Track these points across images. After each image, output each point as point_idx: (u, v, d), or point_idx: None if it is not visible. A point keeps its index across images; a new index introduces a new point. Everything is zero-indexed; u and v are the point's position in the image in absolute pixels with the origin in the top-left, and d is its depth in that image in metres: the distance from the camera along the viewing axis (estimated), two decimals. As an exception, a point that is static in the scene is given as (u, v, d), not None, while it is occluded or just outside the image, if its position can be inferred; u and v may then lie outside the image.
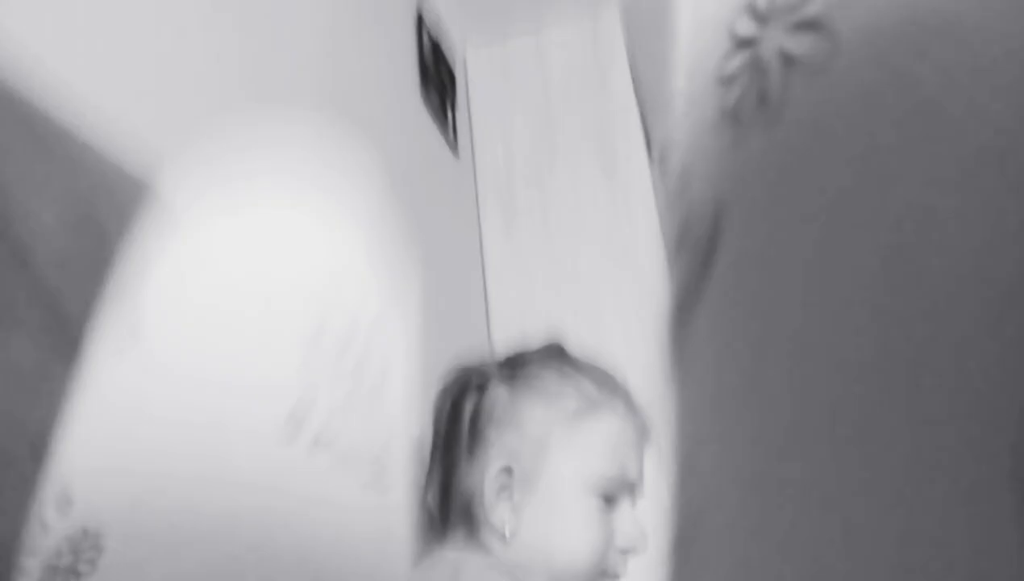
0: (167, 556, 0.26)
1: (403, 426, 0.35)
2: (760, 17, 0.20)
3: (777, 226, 0.18)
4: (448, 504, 0.86)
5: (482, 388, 0.88)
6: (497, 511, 0.82)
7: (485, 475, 0.83)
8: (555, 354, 0.91)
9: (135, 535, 0.27)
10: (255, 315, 0.31)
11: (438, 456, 0.88)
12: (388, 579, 0.29)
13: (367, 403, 0.32)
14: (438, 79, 1.90)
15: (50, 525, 0.28)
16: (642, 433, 0.88)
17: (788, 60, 0.19)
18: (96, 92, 0.62)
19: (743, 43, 0.20)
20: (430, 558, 0.78)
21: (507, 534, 0.81)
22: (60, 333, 0.45)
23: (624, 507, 0.83)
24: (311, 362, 0.31)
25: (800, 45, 0.19)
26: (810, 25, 0.18)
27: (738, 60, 0.20)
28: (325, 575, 0.27)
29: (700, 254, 0.21)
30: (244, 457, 0.28)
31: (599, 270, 1.91)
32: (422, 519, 0.88)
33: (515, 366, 0.90)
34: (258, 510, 0.27)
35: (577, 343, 0.96)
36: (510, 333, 1.82)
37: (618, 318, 1.83)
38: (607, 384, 0.88)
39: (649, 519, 0.87)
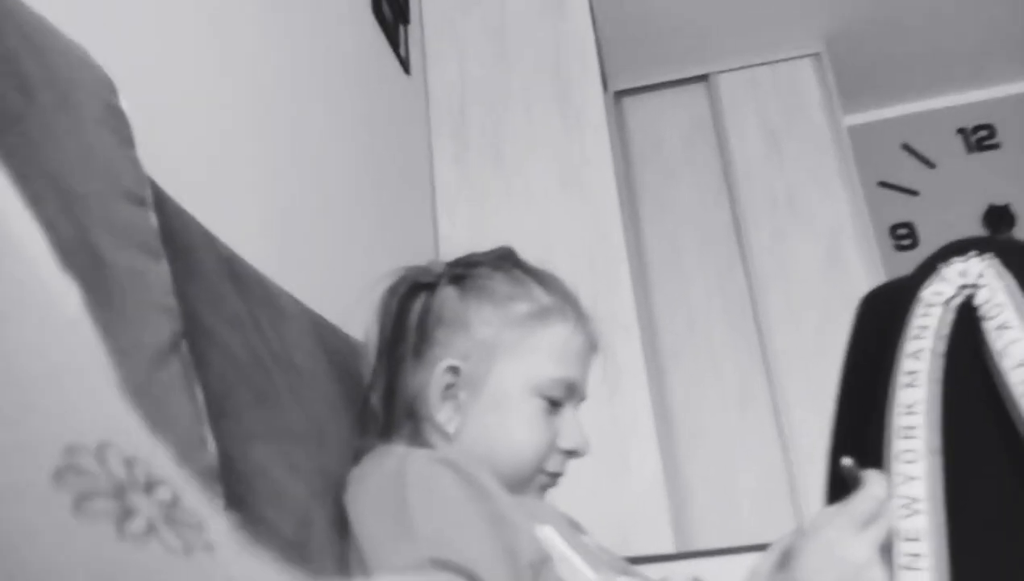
0: None
1: None
2: None
3: None
4: (393, 403, 0.85)
5: (431, 288, 0.87)
6: (442, 410, 0.82)
7: (431, 375, 0.82)
8: (505, 259, 0.91)
9: None
10: None
11: (384, 355, 0.87)
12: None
13: None
14: (392, -7, 1.84)
15: None
16: (590, 341, 0.89)
17: None
18: None
19: None
20: (376, 452, 0.78)
21: (451, 433, 0.81)
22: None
23: (567, 411, 0.84)
24: None
25: None
26: None
27: None
28: None
29: None
30: None
31: (550, 195, 1.90)
32: (366, 418, 0.88)
33: (465, 268, 0.89)
34: None
35: (528, 257, 0.95)
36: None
37: (568, 243, 1.84)
38: (558, 290, 0.88)
39: (590, 423, 0.88)
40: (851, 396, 0.81)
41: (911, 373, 0.69)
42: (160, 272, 0.50)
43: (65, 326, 0.24)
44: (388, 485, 0.71)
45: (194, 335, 0.56)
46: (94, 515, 0.19)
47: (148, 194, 0.53)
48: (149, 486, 0.21)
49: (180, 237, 0.64)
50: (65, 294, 0.27)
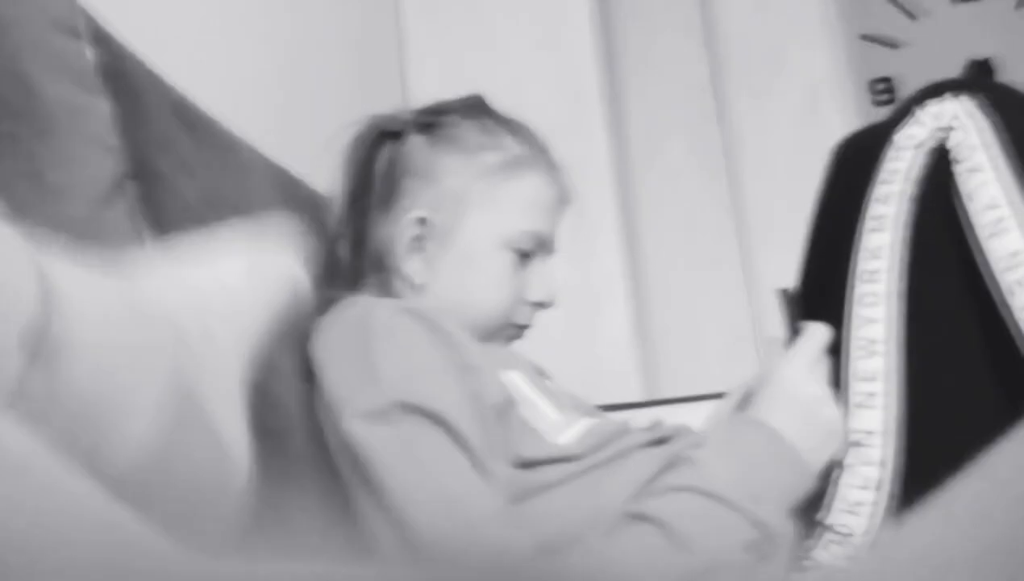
0: None
1: None
2: None
3: None
4: (361, 255, 0.85)
5: (398, 137, 0.85)
6: (410, 262, 0.81)
7: (399, 226, 0.81)
8: (476, 107, 0.88)
9: None
10: None
11: (350, 206, 0.86)
12: None
13: None
14: None
15: None
16: (561, 193, 0.87)
17: None
18: None
19: None
20: (342, 302, 0.77)
21: (419, 284, 0.81)
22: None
23: (537, 263, 0.84)
24: None
25: None
26: None
27: None
28: None
29: None
30: None
31: (523, 51, 1.83)
32: (332, 270, 0.87)
33: (434, 116, 0.86)
34: None
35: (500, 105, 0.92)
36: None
37: (542, 96, 1.78)
38: (529, 140, 0.86)
39: (559, 275, 0.88)
40: (819, 242, 0.81)
41: (878, 217, 0.69)
42: (99, 108, 0.47)
43: None
44: (353, 333, 0.71)
45: (143, 178, 0.53)
46: None
47: (82, 25, 0.50)
48: None
49: (125, 78, 0.60)
50: None
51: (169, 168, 0.59)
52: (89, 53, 0.49)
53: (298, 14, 1.33)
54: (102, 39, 0.58)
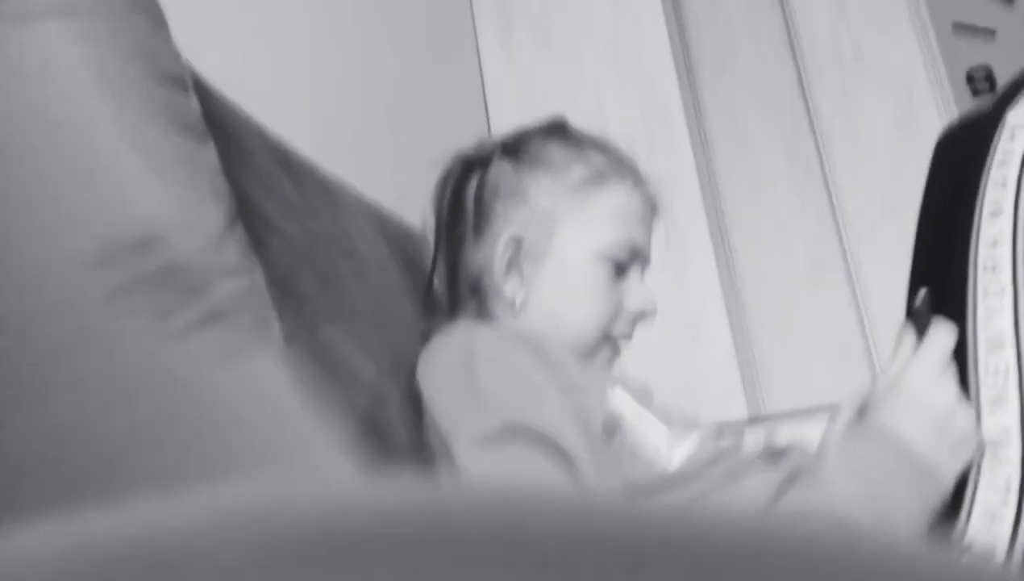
0: None
1: None
2: None
3: None
4: (457, 283, 0.86)
5: (484, 165, 0.86)
6: (507, 283, 0.81)
7: (494, 249, 0.82)
8: (558, 128, 0.88)
9: None
10: None
11: (444, 237, 0.87)
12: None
13: None
14: None
15: None
16: (650, 202, 0.86)
17: None
18: None
19: None
20: (443, 331, 0.78)
21: (518, 305, 0.81)
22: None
23: (633, 276, 0.83)
24: None
25: None
26: None
27: None
28: None
29: None
30: None
31: (602, 76, 1.84)
32: (431, 302, 0.88)
33: (517, 140, 0.87)
34: None
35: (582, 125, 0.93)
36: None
37: (624, 125, 1.78)
38: (613, 153, 0.86)
39: (656, 288, 0.86)
40: (930, 237, 0.77)
41: (996, 201, 0.66)
42: (207, 154, 0.49)
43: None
44: (457, 361, 0.71)
45: (250, 220, 0.55)
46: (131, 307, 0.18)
47: (188, 78, 0.52)
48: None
49: (226, 125, 0.63)
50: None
51: (273, 209, 0.61)
52: (195, 103, 0.52)
53: (376, 54, 1.37)
54: (202, 89, 0.61)
